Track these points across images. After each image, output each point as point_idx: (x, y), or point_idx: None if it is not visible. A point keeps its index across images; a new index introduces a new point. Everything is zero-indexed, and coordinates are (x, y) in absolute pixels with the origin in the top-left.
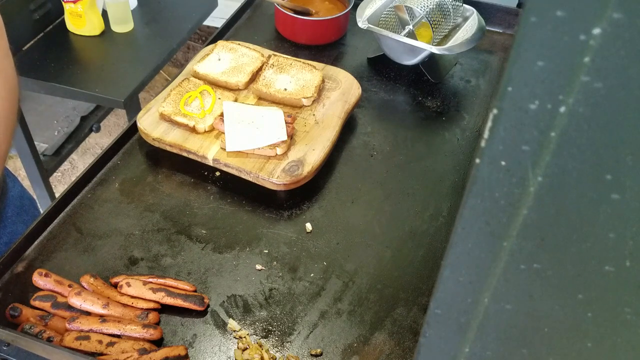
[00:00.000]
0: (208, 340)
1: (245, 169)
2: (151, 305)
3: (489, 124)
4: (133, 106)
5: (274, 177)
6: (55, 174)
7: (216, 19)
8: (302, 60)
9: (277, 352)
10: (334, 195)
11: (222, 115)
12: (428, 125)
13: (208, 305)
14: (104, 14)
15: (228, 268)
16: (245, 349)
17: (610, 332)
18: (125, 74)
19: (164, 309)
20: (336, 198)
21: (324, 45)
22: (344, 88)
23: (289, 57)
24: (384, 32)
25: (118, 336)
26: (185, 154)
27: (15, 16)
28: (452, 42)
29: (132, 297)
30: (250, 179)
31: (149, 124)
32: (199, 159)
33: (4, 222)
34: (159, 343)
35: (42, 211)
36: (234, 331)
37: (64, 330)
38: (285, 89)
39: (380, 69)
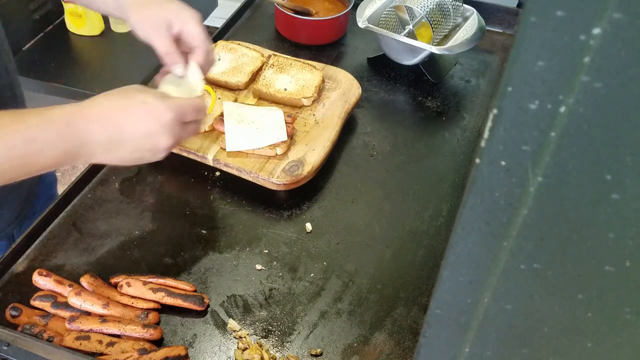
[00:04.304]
0: (208, 340)
1: (245, 169)
2: (151, 305)
3: (489, 124)
4: None
5: (274, 177)
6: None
7: (216, 19)
8: (302, 60)
9: (277, 352)
10: (334, 195)
11: (222, 115)
12: (428, 125)
13: (208, 305)
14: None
15: (228, 268)
16: (245, 349)
17: (610, 332)
18: (125, 74)
19: (164, 309)
20: (336, 198)
21: (324, 45)
22: (344, 88)
23: (289, 57)
24: (384, 32)
25: (118, 336)
26: (185, 154)
27: (15, 16)
28: (452, 42)
29: (132, 297)
30: (250, 179)
31: None
32: (199, 159)
33: (33, 208)
34: (159, 343)
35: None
36: (234, 331)
37: (64, 330)
38: (285, 89)
39: (380, 69)
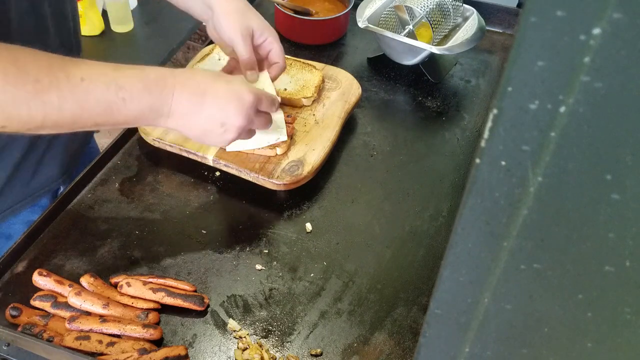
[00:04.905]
0: (208, 340)
1: (245, 169)
2: (151, 305)
3: (489, 124)
4: None
5: (274, 177)
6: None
7: None
8: (302, 60)
9: (277, 352)
10: (334, 195)
11: None
12: (428, 125)
13: (208, 305)
14: (104, 14)
15: (228, 268)
16: (245, 349)
17: (610, 332)
18: None
19: (164, 309)
20: (336, 198)
21: (324, 45)
22: (344, 88)
23: (289, 57)
24: (384, 32)
25: (118, 336)
26: (185, 154)
27: None
28: (452, 42)
29: (132, 297)
30: (250, 179)
31: None
32: (199, 159)
33: (77, 170)
34: (159, 343)
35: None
36: (234, 331)
37: (64, 330)
38: (285, 89)
39: (380, 69)
